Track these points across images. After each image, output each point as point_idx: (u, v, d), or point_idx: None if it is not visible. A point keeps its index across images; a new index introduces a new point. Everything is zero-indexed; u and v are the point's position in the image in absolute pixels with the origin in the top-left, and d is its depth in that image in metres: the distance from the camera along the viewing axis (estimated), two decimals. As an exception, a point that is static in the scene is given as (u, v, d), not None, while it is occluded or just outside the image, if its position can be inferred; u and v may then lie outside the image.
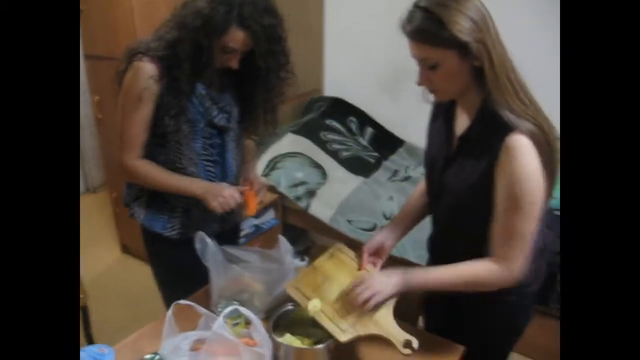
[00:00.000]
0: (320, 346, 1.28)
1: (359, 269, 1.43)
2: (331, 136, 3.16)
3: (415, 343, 1.23)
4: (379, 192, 2.81)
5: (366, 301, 1.26)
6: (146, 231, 1.67)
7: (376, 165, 3.09)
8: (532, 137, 1.16)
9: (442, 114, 1.39)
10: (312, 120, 3.25)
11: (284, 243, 1.50)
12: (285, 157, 2.92)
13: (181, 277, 1.49)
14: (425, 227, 1.58)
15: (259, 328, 1.22)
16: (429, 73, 1.21)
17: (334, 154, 3.05)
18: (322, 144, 3.07)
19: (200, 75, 1.48)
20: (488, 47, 1.15)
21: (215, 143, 1.60)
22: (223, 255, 1.48)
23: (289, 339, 1.33)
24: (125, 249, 3.29)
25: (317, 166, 2.93)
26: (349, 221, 2.64)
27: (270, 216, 3.01)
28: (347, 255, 1.48)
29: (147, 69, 1.44)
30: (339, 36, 3.45)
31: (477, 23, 1.14)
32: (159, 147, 1.55)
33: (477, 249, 1.28)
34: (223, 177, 1.64)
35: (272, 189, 2.84)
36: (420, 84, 1.26)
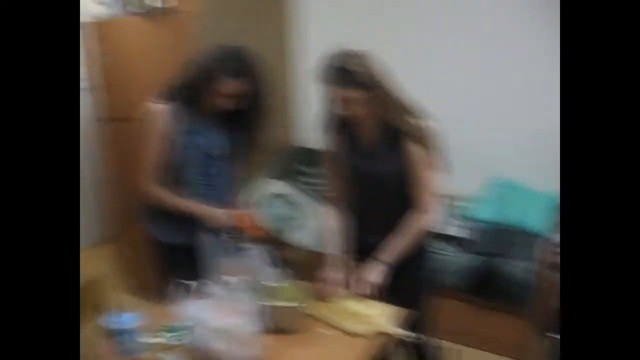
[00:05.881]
0: (292, 304, 1.73)
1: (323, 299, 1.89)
2: (305, 179, 3.65)
3: (412, 334, 1.75)
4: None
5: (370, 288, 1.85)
6: (154, 240, 2.11)
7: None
8: (416, 138, 1.81)
9: (347, 133, 1.93)
10: (287, 168, 3.75)
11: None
12: (267, 199, 3.39)
13: (180, 274, 1.79)
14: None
15: (246, 292, 1.65)
16: (346, 105, 1.78)
17: (310, 194, 3.53)
18: (299, 186, 3.56)
19: (200, 115, 1.98)
20: (381, 86, 1.76)
21: (210, 170, 2.06)
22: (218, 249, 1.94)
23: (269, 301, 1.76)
24: (130, 290, 3.63)
25: (296, 204, 3.40)
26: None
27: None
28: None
29: (161, 111, 1.93)
30: (307, 91, 3.95)
31: (372, 70, 1.74)
32: (167, 171, 1.99)
33: (399, 212, 1.91)
34: (217, 197, 2.09)
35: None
36: (341, 113, 1.83)
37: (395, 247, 1.89)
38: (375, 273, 1.88)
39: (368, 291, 1.86)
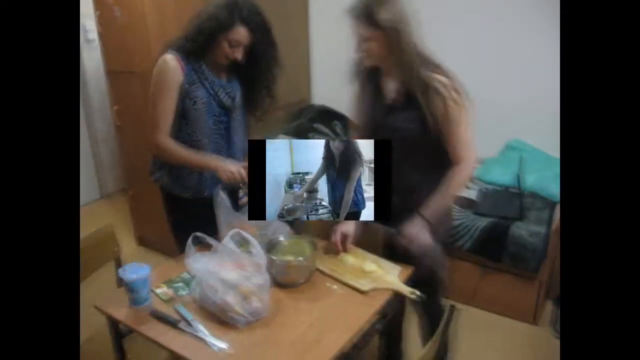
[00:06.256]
0: (300, 258, 1.75)
1: (338, 253, 1.91)
2: (318, 137, 3.63)
3: (417, 292, 1.70)
4: (360, 180, 3.27)
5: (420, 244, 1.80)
6: (166, 193, 2.12)
7: (358, 160, 3.56)
8: (441, 92, 1.73)
9: (372, 84, 1.90)
10: (301, 125, 3.73)
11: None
12: (278, 154, 3.38)
13: (191, 227, 1.76)
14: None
15: (256, 245, 1.66)
16: (368, 47, 1.77)
17: (321, 152, 3.52)
18: (311, 144, 3.55)
19: (210, 66, 1.97)
20: (404, 30, 1.71)
21: (222, 120, 2.05)
22: (231, 204, 1.96)
23: (278, 255, 1.79)
24: (141, 242, 3.73)
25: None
26: (334, 204, 3.09)
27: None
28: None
29: (172, 61, 1.91)
30: (323, 51, 3.93)
31: (395, 13, 1.70)
32: (180, 123, 1.98)
33: (419, 170, 1.85)
34: (228, 148, 2.09)
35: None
36: (365, 61, 1.81)
37: (437, 203, 1.82)
38: (420, 230, 1.80)
39: (419, 247, 1.80)
